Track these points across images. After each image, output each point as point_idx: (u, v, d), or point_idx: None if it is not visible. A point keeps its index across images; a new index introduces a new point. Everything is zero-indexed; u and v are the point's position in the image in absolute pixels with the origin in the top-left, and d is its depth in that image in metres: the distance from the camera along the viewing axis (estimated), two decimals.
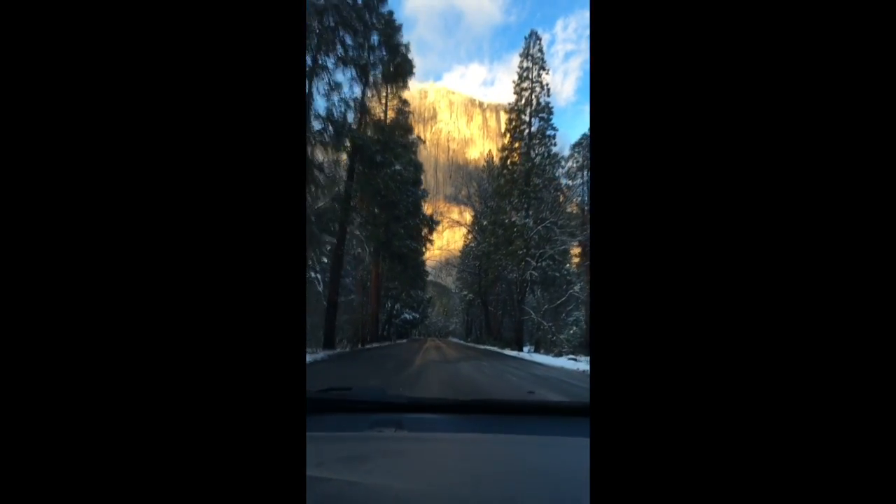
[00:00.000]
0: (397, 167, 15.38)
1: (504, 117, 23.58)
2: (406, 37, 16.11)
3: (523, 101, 21.61)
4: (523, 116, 21.56)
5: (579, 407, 1.02)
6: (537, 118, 21.42)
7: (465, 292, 40.86)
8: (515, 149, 21.84)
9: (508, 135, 22.06)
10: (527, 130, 21.49)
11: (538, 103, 21.38)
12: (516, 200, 21.08)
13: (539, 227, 19.96)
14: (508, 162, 21.99)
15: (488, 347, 22.76)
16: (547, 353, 16.46)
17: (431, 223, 20.23)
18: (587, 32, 0.49)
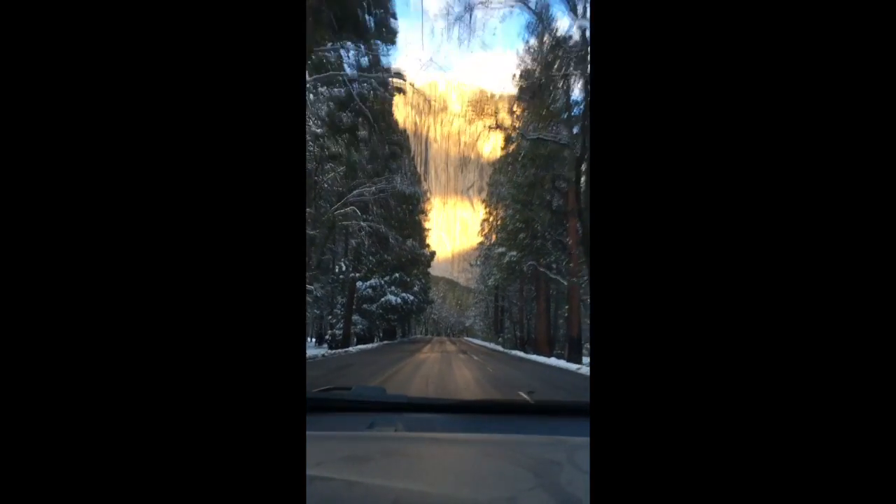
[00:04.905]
0: None
1: (518, 109, 16.76)
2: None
3: None
4: None
5: (579, 407, 1.02)
6: None
7: (503, 249, 20.92)
8: None
9: None
10: None
11: None
12: None
13: None
14: None
15: None
16: None
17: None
18: None
